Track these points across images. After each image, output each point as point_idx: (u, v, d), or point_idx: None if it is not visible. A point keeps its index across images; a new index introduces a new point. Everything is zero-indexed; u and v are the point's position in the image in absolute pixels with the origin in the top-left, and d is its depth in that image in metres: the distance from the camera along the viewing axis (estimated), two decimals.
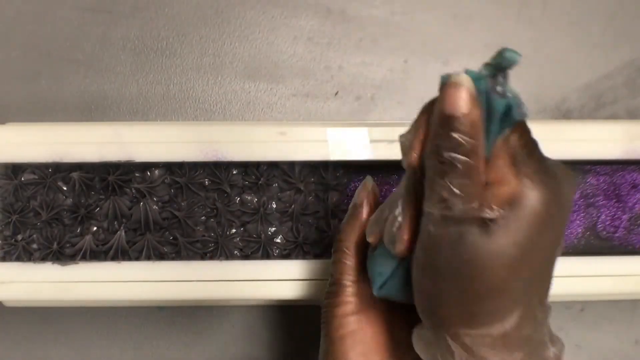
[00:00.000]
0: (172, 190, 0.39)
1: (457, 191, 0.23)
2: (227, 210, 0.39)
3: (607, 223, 0.40)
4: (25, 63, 0.45)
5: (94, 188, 0.39)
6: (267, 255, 0.39)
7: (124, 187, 0.39)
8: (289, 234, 0.39)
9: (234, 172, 0.39)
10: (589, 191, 0.40)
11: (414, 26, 0.46)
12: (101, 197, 0.39)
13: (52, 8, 0.46)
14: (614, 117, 0.46)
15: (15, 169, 0.39)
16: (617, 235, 0.40)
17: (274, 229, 0.39)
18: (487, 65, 0.24)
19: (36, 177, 0.39)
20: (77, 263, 0.38)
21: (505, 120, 0.24)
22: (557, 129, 0.39)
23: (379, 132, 0.39)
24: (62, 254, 0.38)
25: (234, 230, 0.39)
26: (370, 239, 0.29)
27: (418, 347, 0.27)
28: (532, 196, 0.23)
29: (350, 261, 0.31)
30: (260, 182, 0.39)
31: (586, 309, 0.45)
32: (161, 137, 0.38)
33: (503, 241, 0.23)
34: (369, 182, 0.32)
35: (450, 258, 0.24)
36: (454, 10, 0.46)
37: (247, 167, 0.39)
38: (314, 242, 0.39)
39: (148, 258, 0.38)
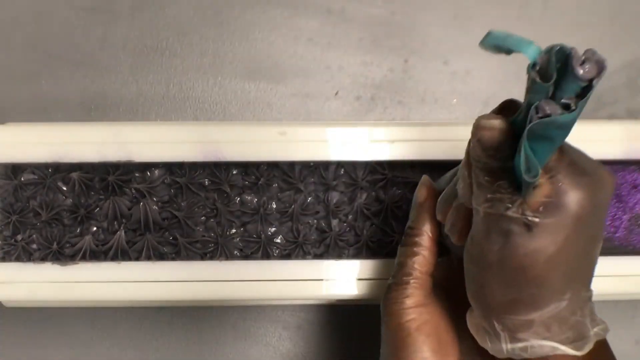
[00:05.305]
0: (172, 191, 0.39)
1: (499, 195, 0.25)
2: (227, 211, 0.39)
3: (607, 223, 0.40)
4: (25, 63, 0.45)
5: (94, 188, 0.39)
6: (267, 256, 0.39)
7: (123, 187, 0.39)
8: (289, 234, 0.39)
9: (234, 172, 0.39)
10: None
11: (414, 26, 0.46)
12: (101, 197, 0.39)
13: (51, 8, 0.46)
14: (614, 117, 0.46)
15: (15, 169, 0.39)
16: (617, 235, 0.40)
17: (274, 229, 0.39)
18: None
19: (36, 177, 0.39)
20: (77, 263, 0.38)
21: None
22: None
23: (379, 132, 0.39)
24: (61, 254, 0.38)
25: (234, 231, 0.39)
26: (440, 217, 0.32)
27: (471, 330, 0.29)
28: (567, 200, 0.25)
29: (425, 252, 0.33)
30: (260, 182, 0.39)
31: None
32: (161, 137, 0.38)
33: (543, 241, 0.25)
34: (426, 179, 0.34)
35: (495, 252, 0.26)
36: (454, 10, 0.46)
37: (247, 167, 0.39)
38: (314, 242, 0.39)
39: (148, 258, 0.38)
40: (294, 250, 0.39)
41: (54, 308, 0.44)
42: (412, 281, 0.32)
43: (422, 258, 0.33)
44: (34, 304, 0.42)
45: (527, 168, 0.23)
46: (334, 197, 0.39)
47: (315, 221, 0.39)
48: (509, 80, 0.46)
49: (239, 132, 0.39)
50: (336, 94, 0.46)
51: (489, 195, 0.26)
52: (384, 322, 0.32)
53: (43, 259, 0.38)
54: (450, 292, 0.33)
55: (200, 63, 0.46)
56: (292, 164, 0.39)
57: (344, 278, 0.38)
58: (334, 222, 0.39)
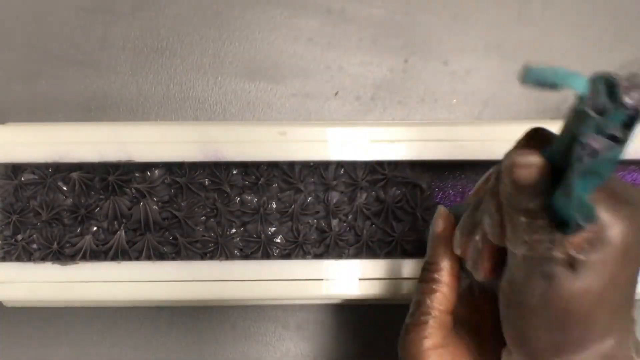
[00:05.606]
0: (172, 190, 0.39)
1: (538, 236, 0.24)
2: (227, 210, 0.39)
3: None
4: (25, 63, 0.45)
5: (94, 188, 0.39)
6: (267, 255, 0.39)
7: (123, 187, 0.39)
8: (289, 234, 0.39)
9: (234, 172, 0.39)
10: None
11: (414, 26, 0.46)
12: (101, 197, 0.39)
13: (52, 8, 0.46)
14: None
15: (15, 169, 0.39)
16: None
17: (274, 229, 0.39)
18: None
19: (36, 177, 0.39)
20: (77, 263, 0.38)
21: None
22: (558, 129, 0.39)
23: (379, 132, 0.39)
24: (62, 254, 0.38)
25: (234, 230, 0.39)
26: (458, 252, 0.30)
27: None
28: (612, 233, 0.23)
29: (444, 289, 0.31)
30: (260, 182, 0.39)
31: None
32: (161, 137, 0.38)
33: (589, 279, 0.24)
34: (443, 210, 0.32)
35: (538, 296, 0.25)
36: (454, 10, 0.46)
37: (247, 167, 0.39)
38: (314, 242, 0.39)
39: (148, 258, 0.38)
40: (294, 250, 0.39)
41: (54, 308, 0.44)
42: (430, 321, 0.30)
43: (441, 295, 0.31)
44: (34, 304, 0.42)
45: (583, 213, 0.22)
46: (334, 197, 0.40)
47: (315, 221, 0.39)
48: (509, 80, 0.46)
49: (239, 132, 0.39)
50: (336, 94, 0.46)
51: (526, 238, 0.24)
52: None
53: (43, 258, 0.38)
54: (472, 327, 0.32)
55: (200, 63, 0.46)
56: (292, 164, 0.39)
57: (344, 278, 0.38)
58: (334, 222, 0.39)
